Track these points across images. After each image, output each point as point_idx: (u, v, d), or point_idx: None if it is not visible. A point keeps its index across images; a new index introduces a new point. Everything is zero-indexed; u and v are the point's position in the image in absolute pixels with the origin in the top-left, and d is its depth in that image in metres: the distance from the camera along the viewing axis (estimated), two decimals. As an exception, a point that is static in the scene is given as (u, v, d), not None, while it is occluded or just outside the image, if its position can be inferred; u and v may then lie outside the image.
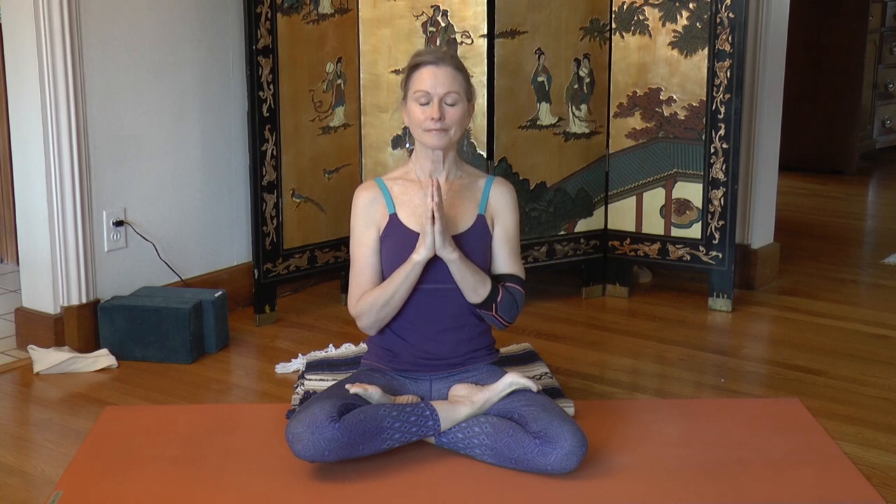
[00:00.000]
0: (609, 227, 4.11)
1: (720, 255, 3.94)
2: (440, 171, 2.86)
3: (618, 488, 2.56)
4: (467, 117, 2.84)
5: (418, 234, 2.78)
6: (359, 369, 2.92)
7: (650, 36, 3.95)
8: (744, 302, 4.07)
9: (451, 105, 2.77)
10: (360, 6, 3.90)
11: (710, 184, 3.92)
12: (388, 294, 2.77)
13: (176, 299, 3.50)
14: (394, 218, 2.83)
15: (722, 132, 3.86)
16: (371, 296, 2.79)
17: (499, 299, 2.80)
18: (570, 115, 3.98)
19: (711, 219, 3.93)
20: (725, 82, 3.82)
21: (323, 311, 3.97)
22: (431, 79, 2.76)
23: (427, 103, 2.77)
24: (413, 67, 2.81)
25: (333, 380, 3.06)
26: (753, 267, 4.25)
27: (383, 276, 2.83)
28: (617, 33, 4.00)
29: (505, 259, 2.88)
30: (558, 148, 3.97)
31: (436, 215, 2.68)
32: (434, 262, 2.77)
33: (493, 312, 2.81)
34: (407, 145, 2.93)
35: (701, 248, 3.97)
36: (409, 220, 2.82)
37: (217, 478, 2.62)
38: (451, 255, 2.72)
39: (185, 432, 2.88)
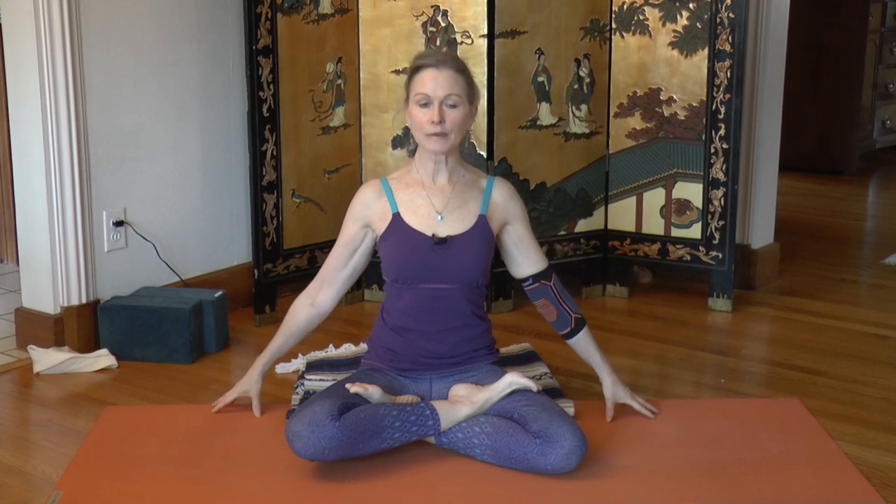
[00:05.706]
0: (609, 227, 4.11)
1: (720, 256, 3.94)
2: (442, 172, 2.86)
3: (618, 488, 2.56)
4: (470, 119, 2.84)
5: (421, 232, 2.80)
6: (359, 369, 2.92)
7: (650, 36, 3.95)
8: (744, 302, 4.07)
9: (452, 107, 2.77)
10: (360, 6, 3.90)
11: (710, 184, 3.92)
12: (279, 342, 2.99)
13: (176, 299, 3.50)
14: (396, 217, 2.83)
15: (722, 132, 3.86)
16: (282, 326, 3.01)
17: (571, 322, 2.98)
18: (570, 115, 3.97)
19: (711, 219, 3.93)
20: (725, 82, 3.82)
21: (323, 311, 3.97)
22: (432, 81, 2.76)
23: (427, 105, 2.77)
24: (414, 70, 2.81)
25: (333, 380, 3.05)
26: (753, 267, 4.25)
27: (390, 272, 2.85)
28: (617, 33, 4.00)
29: (534, 254, 2.94)
30: (558, 148, 3.96)
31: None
32: (433, 262, 2.78)
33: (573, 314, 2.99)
34: (410, 146, 2.93)
35: (701, 249, 3.97)
36: (411, 219, 2.83)
37: (217, 478, 2.61)
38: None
39: (185, 432, 2.88)
